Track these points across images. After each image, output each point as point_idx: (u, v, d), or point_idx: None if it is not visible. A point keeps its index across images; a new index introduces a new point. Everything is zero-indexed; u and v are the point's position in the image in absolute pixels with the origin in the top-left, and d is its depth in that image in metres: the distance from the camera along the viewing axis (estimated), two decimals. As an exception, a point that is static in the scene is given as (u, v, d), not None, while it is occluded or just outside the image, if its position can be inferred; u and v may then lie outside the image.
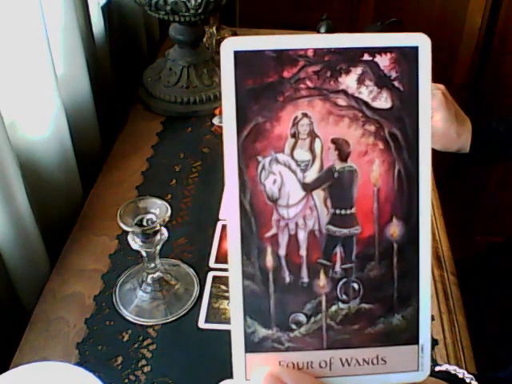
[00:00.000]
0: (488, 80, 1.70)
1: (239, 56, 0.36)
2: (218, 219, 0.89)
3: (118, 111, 1.15)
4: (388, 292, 0.37)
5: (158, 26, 1.36)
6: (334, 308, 0.37)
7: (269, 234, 0.36)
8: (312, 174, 0.36)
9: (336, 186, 0.36)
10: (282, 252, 0.36)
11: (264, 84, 0.36)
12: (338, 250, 0.36)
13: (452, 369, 0.55)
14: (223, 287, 0.78)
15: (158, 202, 0.70)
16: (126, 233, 0.71)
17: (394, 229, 0.37)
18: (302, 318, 0.37)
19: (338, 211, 0.36)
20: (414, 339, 0.38)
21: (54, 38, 0.86)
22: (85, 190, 0.95)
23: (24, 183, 0.76)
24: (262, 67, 0.36)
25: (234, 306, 0.37)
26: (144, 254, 0.72)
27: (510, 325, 1.55)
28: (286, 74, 0.36)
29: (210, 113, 1.12)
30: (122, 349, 0.71)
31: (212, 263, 0.82)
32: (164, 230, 0.71)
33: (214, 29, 1.29)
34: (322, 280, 0.36)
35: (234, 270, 0.36)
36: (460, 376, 0.53)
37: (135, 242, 0.70)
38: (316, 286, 0.37)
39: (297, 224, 0.36)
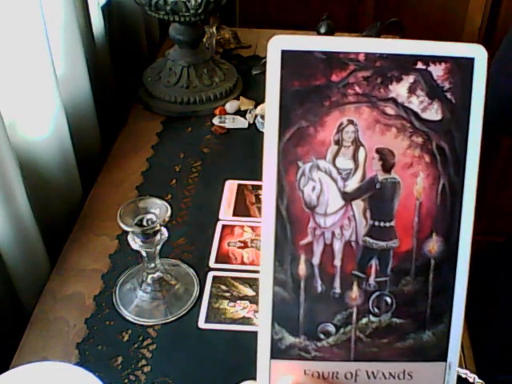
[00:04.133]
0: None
1: (287, 55, 0.34)
2: (218, 219, 0.89)
3: (118, 111, 1.15)
4: (421, 308, 0.36)
5: (157, 26, 1.36)
6: (364, 320, 0.36)
7: (304, 242, 0.35)
8: (353, 184, 0.35)
9: (377, 197, 0.35)
10: (316, 261, 0.35)
11: (311, 86, 0.35)
12: (374, 262, 0.35)
13: (463, 372, 0.54)
14: (223, 287, 0.78)
15: (158, 202, 0.70)
16: (126, 233, 0.71)
17: (433, 245, 0.35)
18: (331, 328, 0.36)
19: (376, 223, 0.35)
20: (442, 356, 0.37)
21: (54, 38, 0.86)
22: (85, 190, 0.95)
23: (24, 183, 0.76)
24: (309, 69, 0.34)
25: (263, 312, 0.36)
26: (144, 253, 0.72)
27: (510, 325, 1.54)
28: (334, 78, 0.35)
29: (210, 113, 1.12)
30: (122, 349, 0.71)
31: (212, 263, 0.82)
32: (164, 230, 0.71)
33: (214, 29, 1.29)
34: (355, 292, 0.35)
35: (265, 275, 0.35)
36: (470, 380, 0.53)
37: (135, 242, 0.70)
38: (348, 298, 0.36)
39: (333, 233, 0.35)
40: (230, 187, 0.95)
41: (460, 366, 0.68)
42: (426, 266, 0.36)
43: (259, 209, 0.90)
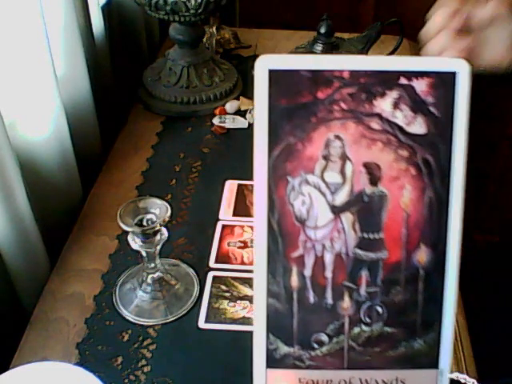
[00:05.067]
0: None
1: (274, 74, 0.35)
2: (218, 219, 0.89)
3: (118, 111, 1.15)
4: (411, 317, 0.37)
5: (158, 26, 1.36)
6: (356, 330, 0.37)
7: (295, 255, 0.36)
8: (342, 197, 0.36)
9: (365, 210, 0.36)
10: (308, 273, 0.36)
11: (298, 104, 0.36)
12: (364, 273, 0.36)
13: (462, 377, 0.54)
14: (223, 287, 0.78)
15: (158, 202, 0.70)
16: (126, 233, 0.71)
17: (422, 255, 0.36)
18: (324, 337, 0.37)
19: (366, 235, 0.36)
20: (434, 363, 0.37)
21: (54, 38, 0.86)
22: (85, 189, 0.95)
23: (24, 183, 0.76)
24: (296, 87, 0.36)
25: (258, 323, 0.37)
26: (144, 253, 0.72)
27: (510, 325, 1.54)
28: (320, 95, 0.36)
29: (210, 113, 1.12)
30: (122, 349, 0.71)
31: (212, 263, 0.82)
32: (164, 230, 0.71)
33: (214, 29, 1.29)
34: (346, 302, 0.36)
35: (258, 287, 0.36)
36: None
37: (135, 242, 0.70)
38: (340, 308, 0.36)
39: (324, 246, 0.36)
40: (230, 187, 0.95)
41: (460, 369, 0.68)
42: (415, 276, 0.36)
43: (259, 209, 0.90)
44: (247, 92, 1.17)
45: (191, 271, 0.80)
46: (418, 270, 0.36)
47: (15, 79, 0.78)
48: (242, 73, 1.20)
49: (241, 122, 1.09)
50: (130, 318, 0.74)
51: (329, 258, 0.36)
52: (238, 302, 0.76)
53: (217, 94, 1.13)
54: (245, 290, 0.78)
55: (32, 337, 0.73)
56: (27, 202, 0.77)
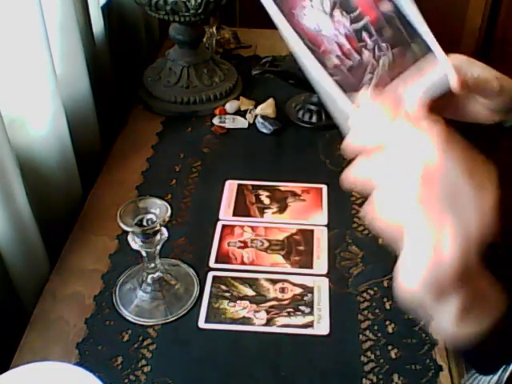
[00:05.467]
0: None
1: None
2: (218, 219, 0.89)
3: (118, 111, 1.15)
4: (402, 37, 0.52)
5: (157, 26, 1.36)
6: (381, 62, 0.51)
7: (323, 49, 0.50)
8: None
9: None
10: (339, 52, 0.50)
11: None
12: (364, 33, 0.51)
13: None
14: (223, 287, 0.78)
15: (158, 202, 0.70)
16: (126, 233, 0.71)
17: (387, 7, 0.51)
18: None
19: (351, 15, 0.51)
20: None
21: (54, 37, 0.86)
22: (85, 189, 0.95)
23: (24, 183, 0.76)
24: None
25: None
26: (144, 253, 0.72)
27: (510, 325, 1.54)
28: None
29: (210, 113, 1.12)
30: (122, 349, 0.71)
31: (212, 263, 0.82)
32: (164, 230, 0.71)
33: (214, 29, 1.29)
34: (366, 54, 0.51)
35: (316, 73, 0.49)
36: None
37: (135, 242, 0.70)
38: (364, 60, 0.51)
39: (336, 35, 0.50)
40: (230, 187, 0.95)
41: (460, 368, 0.68)
42: (392, 19, 0.51)
43: (259, 209, 0.90)
44: (247, 92, 1.17)
45: (191, 271, 0.80)
46: (392, 16, 0.51)
47: (15, 78, 0.78)
48: (241, 73, 1.20)
49: (241, 122, 1.09)
50: (130, 318, 0.74)
51: (342, 39, 0.51)
52: (238, 301, 0.76)
53: (217, 94, 1.13)
54: (245, 289, 0.78)
55: (32, 337, 0.73)
56: (27, 201, 0.77)
